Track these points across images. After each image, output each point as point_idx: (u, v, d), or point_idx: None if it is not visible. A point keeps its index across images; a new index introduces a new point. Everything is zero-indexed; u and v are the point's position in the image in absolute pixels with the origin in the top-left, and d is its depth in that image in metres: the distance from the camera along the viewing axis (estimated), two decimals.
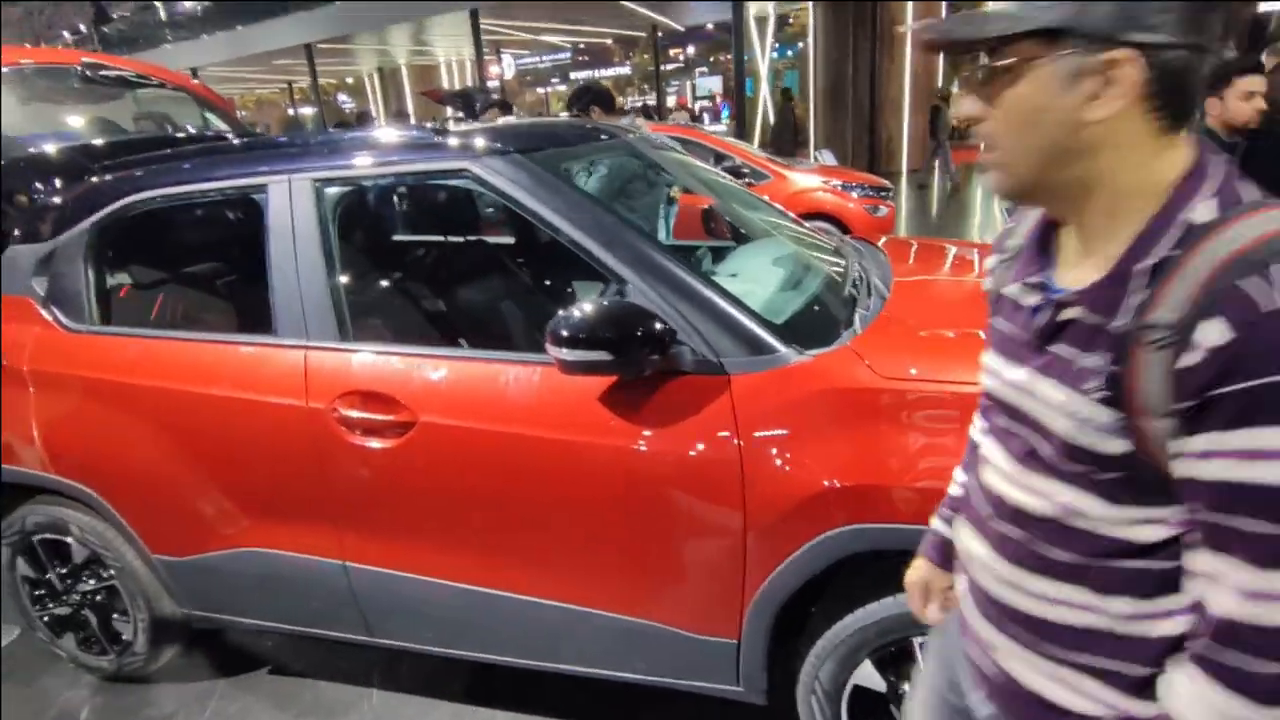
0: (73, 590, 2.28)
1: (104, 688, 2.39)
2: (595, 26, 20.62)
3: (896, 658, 1.55)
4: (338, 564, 1.92)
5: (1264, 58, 5.40)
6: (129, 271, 2.40)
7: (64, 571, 2.27)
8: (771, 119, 16.79)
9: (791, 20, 19.71)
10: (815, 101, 13.94)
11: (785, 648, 1.65)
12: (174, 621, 2.24)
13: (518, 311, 2.74)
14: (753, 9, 14.25)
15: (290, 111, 28.72)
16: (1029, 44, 0.68)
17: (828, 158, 9.09)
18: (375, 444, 1.76)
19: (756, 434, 1.49)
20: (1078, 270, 0.75)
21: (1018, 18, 0.67)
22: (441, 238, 3.16)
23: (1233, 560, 0.64)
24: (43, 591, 2.32)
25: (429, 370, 1.76)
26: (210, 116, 3.43)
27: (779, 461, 1.48)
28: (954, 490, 1.04)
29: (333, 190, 1.89)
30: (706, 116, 20.93)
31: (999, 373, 0.83)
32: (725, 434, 1.51)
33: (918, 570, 1.09)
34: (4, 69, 2.76)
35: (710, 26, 21.46)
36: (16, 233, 2.22)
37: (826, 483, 1.43)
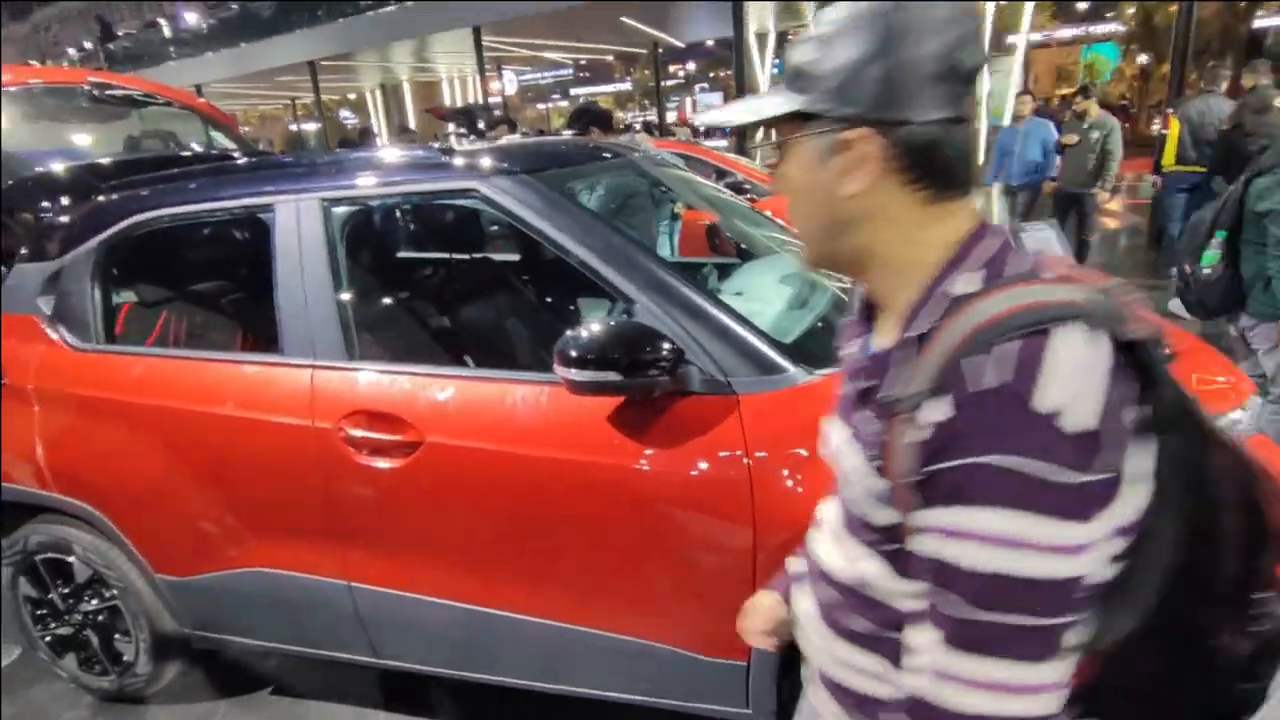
0: (75, 610, 2.26)
1: (104, 708, 2.37)
2: (596, 43, 20.80)
3: None
4: (342, 584, 1.90)
5: (1243, 77, 5.46)
6: (136, 290, 2.40)
7: (66, 591, 2.26)
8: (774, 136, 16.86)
9: (791, 36, 19.89)
10: None
11: (794, 669, 1.64)
12: (176, 642, 2.22)
13: (525, 331, 2.74)
14: (753, 26, 14.38)
15: (293, 127, 28.92)
16: (790, 126, 0.71)
17: None
18: (381, 464, 1.75)
19: (765, 454, 1.49)
20: (881, 337, 0.75)
21: (776, 103, 0.71)
22: (448, 256, 3.16)
23: (932, 637, 0.64)
24: (45, 611, 2.31)
25: (436, 390, 1.75)
26: (216, 134, 3.45)
27: (789, 482, 1.47)
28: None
29: (340, 210, 1.90)
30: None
31: (828, 436, 0.83)
32: (734, 454, 1.50)
33: (763, 598, 1.07)
34: (12, 88, 2.78)
35: (710, 43, 21.65)
36: (23, 251, 2.22)
37: None
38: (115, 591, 2.18)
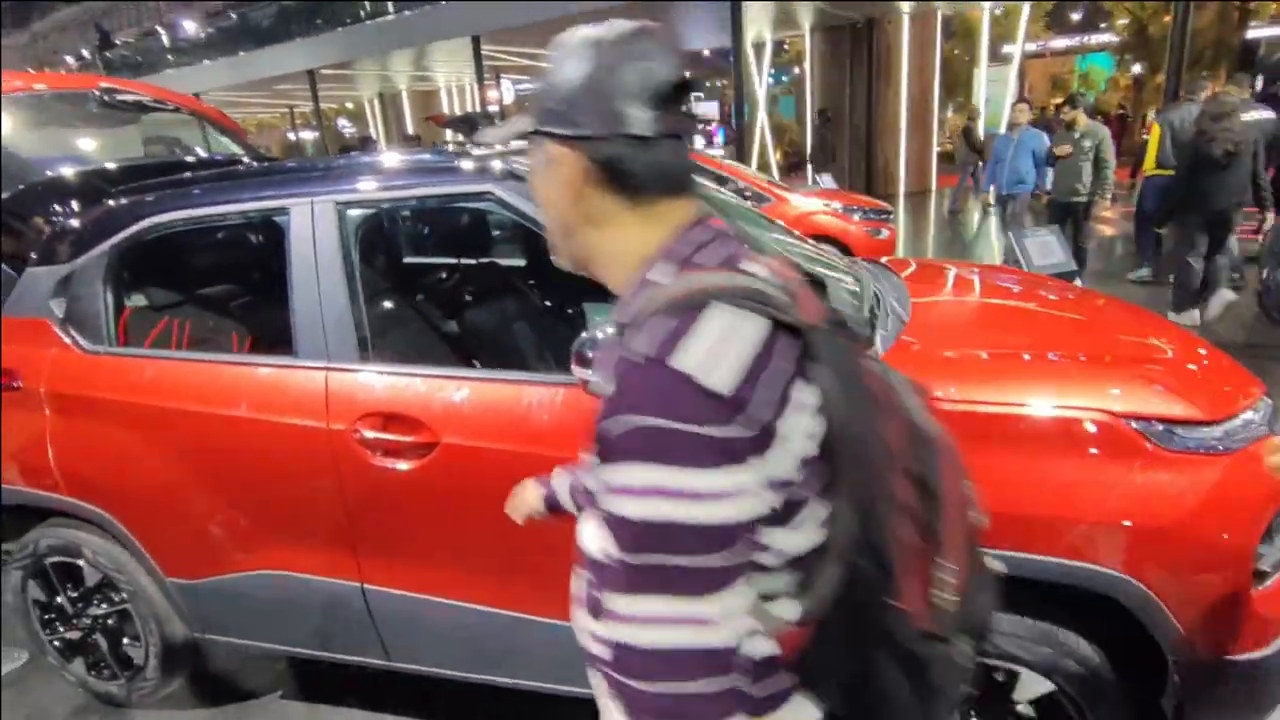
0: (84, 614, 2.25)
1: (111, 713, 2.36)
2: None
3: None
4: (355, 586, 1.90)
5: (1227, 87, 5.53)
6: (148, 294, 2.41)
7: (75, 595, 2.25)
8: (770, 143, 17.02)
9: (787, 46, 19.98)
10: (812, 126, 14.09)
11: None
12: (186, 645, 2.22)
13: (539, 332, 2.75)
14: (750, 36, 14.47)
15: (291, 136, 28.95)
16: (530, 143, 0.81)
17: (828, 181, 9.19)
18: (397, 465, 1.75)
19: None
20: None
21: (522, 124, 0.81)
22: (462, 259, 3.17)
23: (612, 584, 0.69)
24: (54, 615, 2.30)
25: (451, 391, 1.76)
26: (223, 140, 3.45)
27: None
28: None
29: (355, 212, 1.91)
30: (701, 141, 21.17)
31: None
32: None
33: (530, 489, 1.25)
34: (21, 94, 2.79)
35: (707, 53, 21.74)
36: (34, 255, 2.23)
37: None
38: (125, 595, 2.18)
